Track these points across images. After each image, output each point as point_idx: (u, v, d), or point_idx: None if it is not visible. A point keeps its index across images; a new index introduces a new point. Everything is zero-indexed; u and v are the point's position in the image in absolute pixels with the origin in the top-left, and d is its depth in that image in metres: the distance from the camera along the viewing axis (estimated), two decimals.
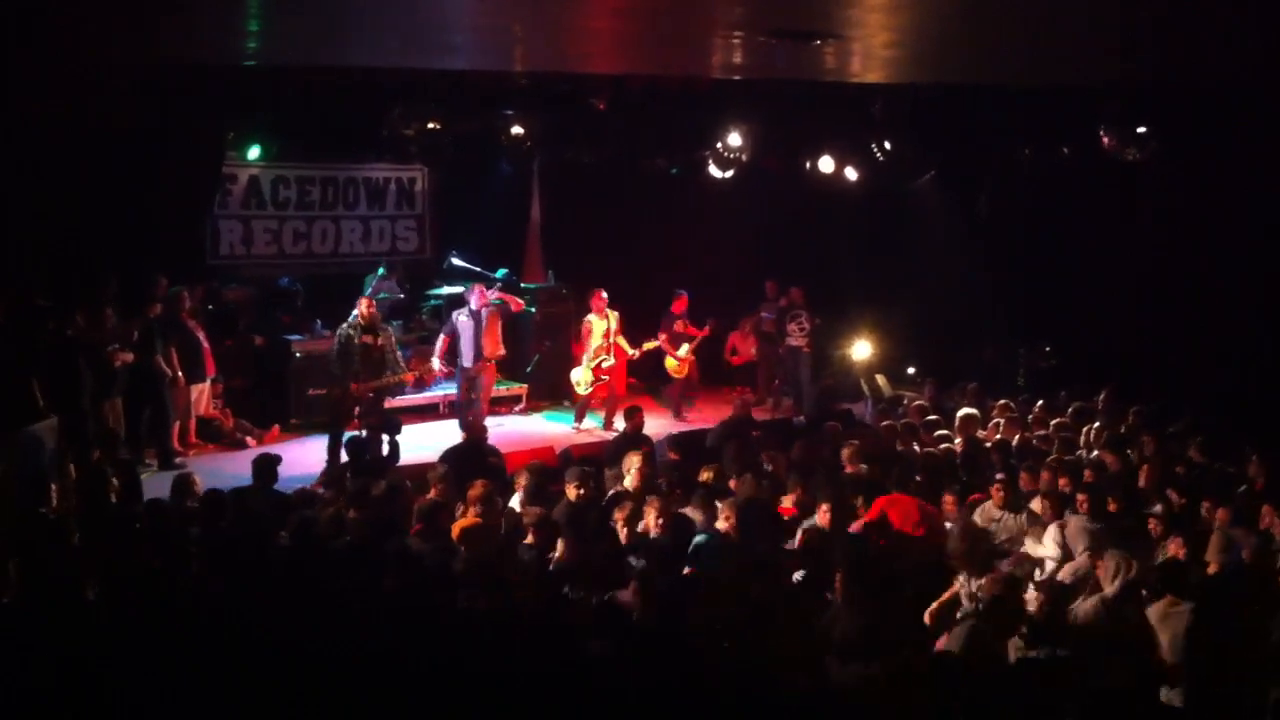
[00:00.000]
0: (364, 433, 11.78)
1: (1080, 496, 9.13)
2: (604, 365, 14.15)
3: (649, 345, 14.48)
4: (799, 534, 8.74)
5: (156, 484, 10.43)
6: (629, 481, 9.71)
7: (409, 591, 6.83)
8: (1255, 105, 12.42)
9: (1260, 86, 12.07)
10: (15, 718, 5.49)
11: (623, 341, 14.36)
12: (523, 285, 16.12)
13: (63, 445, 9.97)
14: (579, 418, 14.40)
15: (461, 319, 13.16)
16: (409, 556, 7.51)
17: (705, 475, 9.90)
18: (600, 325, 14.22)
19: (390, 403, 13.36)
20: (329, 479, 9.81)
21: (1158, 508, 9.28)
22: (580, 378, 14.25)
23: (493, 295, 13.70)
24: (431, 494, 9.32)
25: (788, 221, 17.12)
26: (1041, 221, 15.78)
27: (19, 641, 5.91)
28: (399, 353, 12.53)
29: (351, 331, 11.85)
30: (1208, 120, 12.70)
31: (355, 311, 12.07)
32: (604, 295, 14.26)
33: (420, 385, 14.75)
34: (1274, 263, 13.53)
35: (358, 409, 11.87)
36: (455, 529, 8.35)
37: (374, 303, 12.31)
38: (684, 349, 14.89)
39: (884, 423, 12.47)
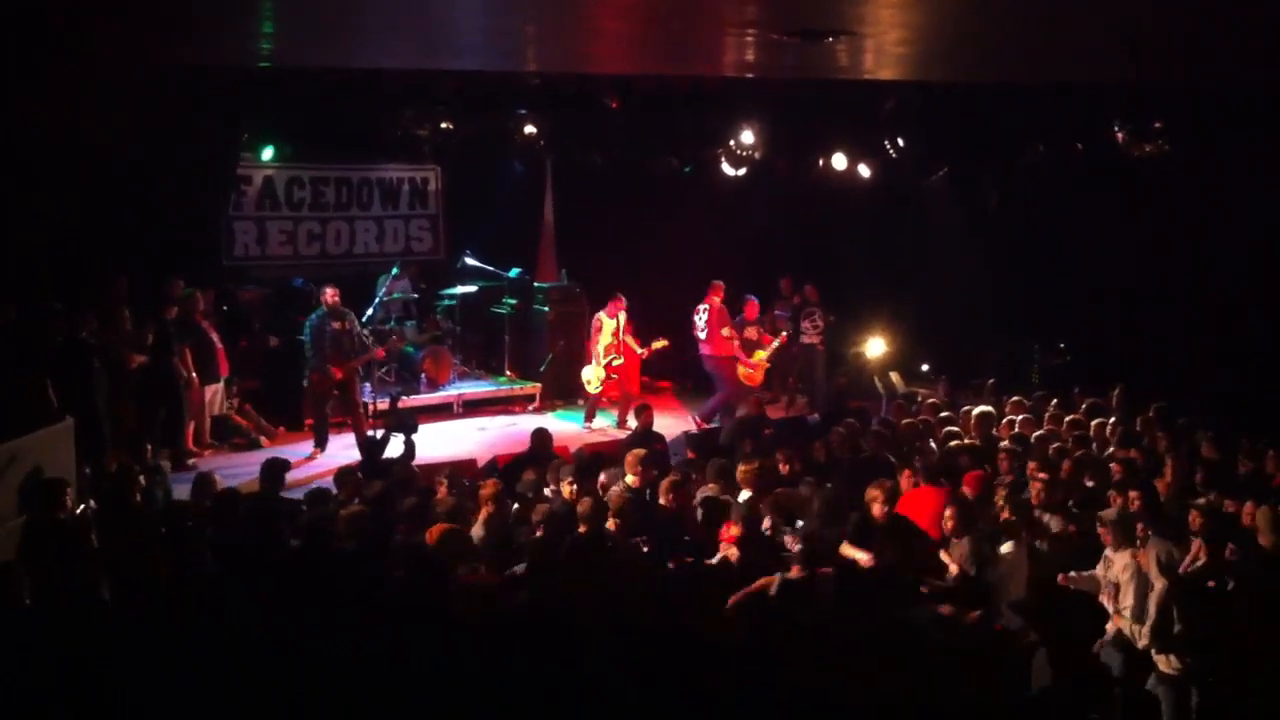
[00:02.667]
0: (379, 433, 11.84)
1: (1132, 494, 9.12)
2: (614, 364, 14.20)
3: (658, 345, 14.49)
4: None
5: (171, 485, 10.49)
6: (630, 479, 9.70)
7: (410, 591, 6.85)
8: (1261, 106, 12.37)
9: (1265, 87, 12.03)
10: (29, 717, 5.52)
11: (631, 341, 14.41)
12: (536, 285, 16.15)
13: (77, 447, 10.01)
14: (589, 417, 14.46)
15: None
16: (412, 556, 7.54)
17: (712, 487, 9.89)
18: (610, 324, 14.28)
19: (405, 402, 13.45)
20: (341, 478, 9.82)
21: (1201, 500, 9.23)
22: (591, 376, 14.30)
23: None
24: (440, 494, 9.37)
25: (800, 219, 17.10)
26: (1053, 219, 15.72)
27: (34, 643, 5.93)
28: (363, 334, 13.18)
29: (321, 320, 12.47)
30: (1216, 120, 12.65)
31: (323, 302, 12.68)
32: (623, 301, 14.31)
33: (434, 385, 14.81)
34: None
35: (335, 389, 12.58)
36: (430, 534, 8.28)
37: (338, 291, 12.82)
38: (759, 355, 14.94)
39: (906, 421, 12.40)
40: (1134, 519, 8.41)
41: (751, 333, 15.06)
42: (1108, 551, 8.19)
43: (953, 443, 11.38)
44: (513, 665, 5.62)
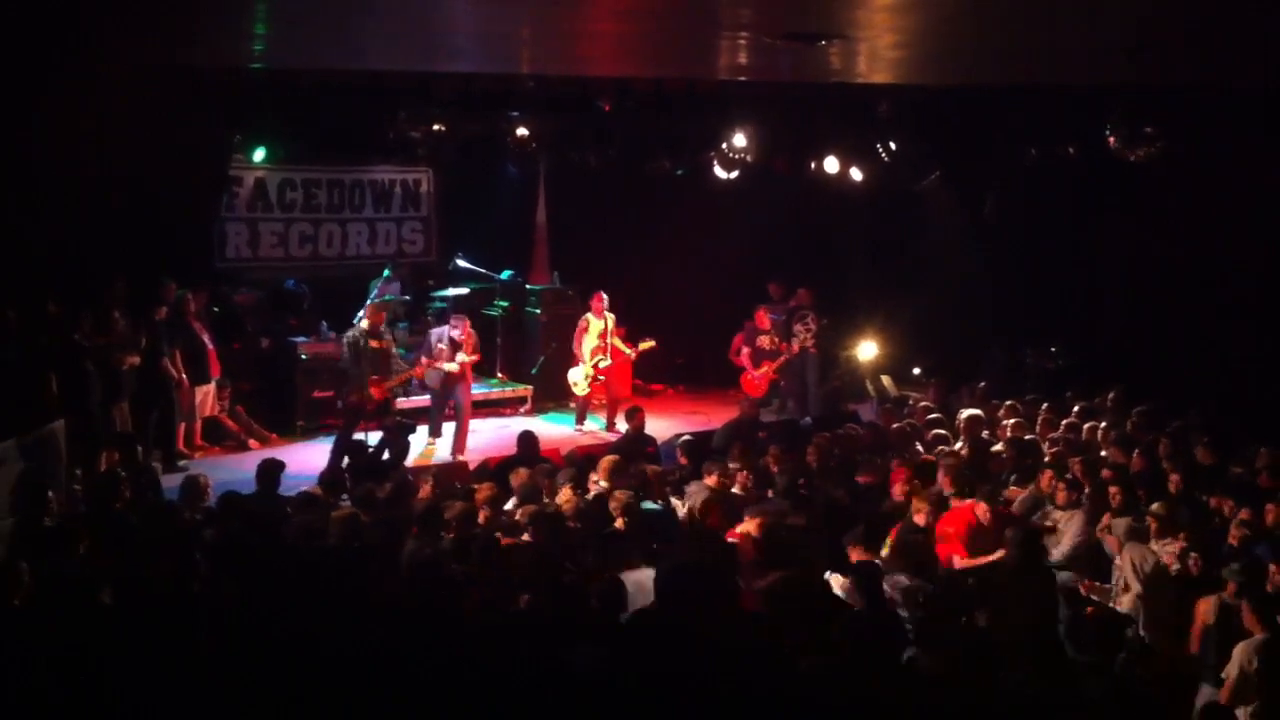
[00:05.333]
0: (366, 435, 11.86)
1: (1113, 490, 9.31)
2: (601, 365, 14.18)
3: (645, 346, 14.46)
4: None
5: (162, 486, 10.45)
6: (602, 483, 9.67)
7: (415, 594, 6.84)
8: (1259, 107, 12.40)
9: (1263, 88, 12.07)
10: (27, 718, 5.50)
11: (619, 343, 14.36)
12: (528, 287, 16.14)
13: (70, 449, 9.99)
14: (580, 419, 14.44)
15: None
16: (418, 559, 7.52)
17: (710, 479, 9.88)
18: (597, 325, 14.23)
19: (399, 404, 13.42)
20: (327, 481, 9.78)
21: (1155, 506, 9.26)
22: (578, 378, 14.27)
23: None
24: (422, 494, 9.35)
25: (793, 222, 17.11)
26: (1047, 222, 15.76)
27: (29, 644, 5.91)
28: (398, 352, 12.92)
29: (360, 337, 12.10)
30: (1213, 121, 12.68)
31: (360, 317, 12.37)
32: (604, 297, 14.28)
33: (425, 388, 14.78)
34: (1277, 264, 13.52)
35: (374, 410, 12.15)
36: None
37: (380, 310, 12.60)
38: (764, 368, 14.97)
39: (894, 425, 12.42)
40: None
41: (765, 341, 15.05)
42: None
43: (940, 447, 11.38)
44: (512, 666, 5.61)
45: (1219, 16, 7.93)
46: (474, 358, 13.26)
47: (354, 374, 12.12)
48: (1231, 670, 6.69)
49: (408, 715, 5.41)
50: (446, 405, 13.31)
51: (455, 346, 13.00)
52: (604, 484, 9.59)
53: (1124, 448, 10.84)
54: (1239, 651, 6.70)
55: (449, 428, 13.19)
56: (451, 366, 12.94)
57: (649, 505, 9.05)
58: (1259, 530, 8.59)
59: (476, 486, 9.30)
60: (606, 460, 9.96)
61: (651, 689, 5.35)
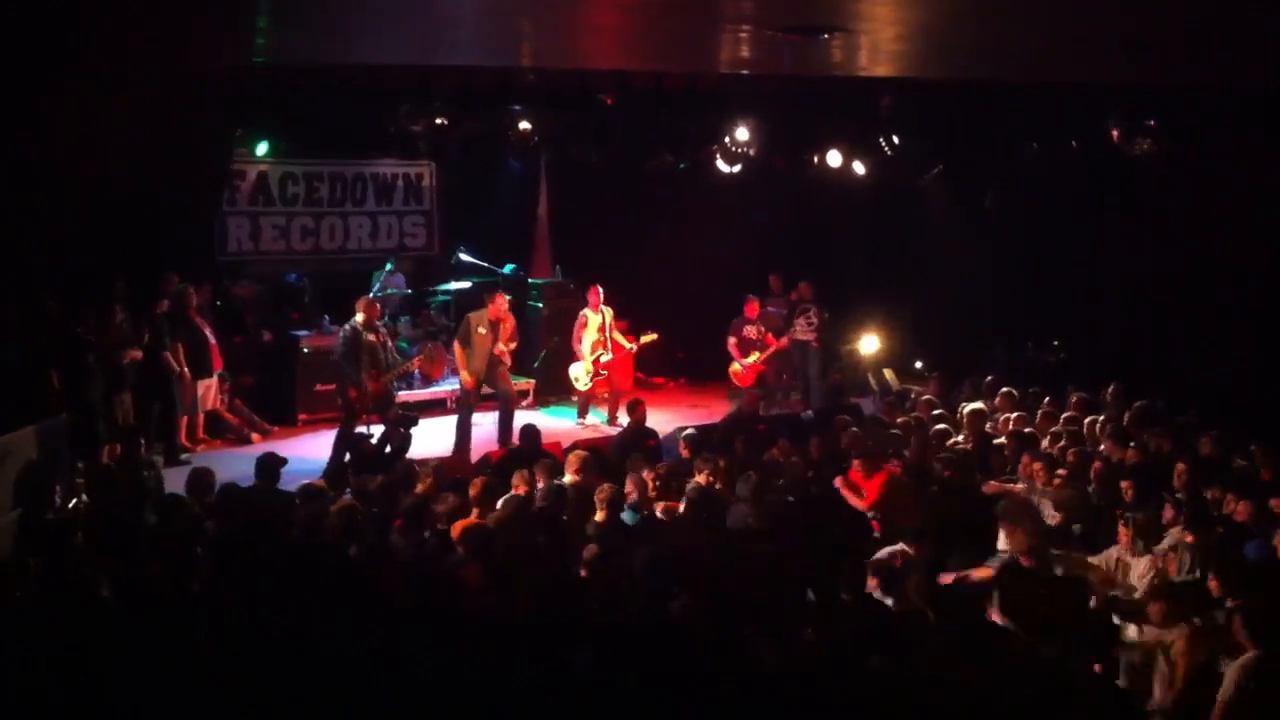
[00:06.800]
0: (369, 429, 11.85)
1: (1125, 484, 9.31)
2: (602, 360, 14.18)
3: (646, 339, 14.47)
4: None
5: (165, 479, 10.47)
6: (567, 477, 9.64)
7: (408, 591, 6.84)
8: (1260, 106, 12.38)
9: (1263, 88, 12.05)
10: (26, 716, 5.51)
11: (619, 337, 14.36)
12: (530, 281, 16.15)
13: (71, 442, 10.01)
14: (582, 413, 14.44)
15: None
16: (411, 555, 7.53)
17: (702, 478, 9.87)
18: (595, 320, 14.23)
19: (402, 397, 13.42)
20: (331, 475, 9.78)
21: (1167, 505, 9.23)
22: (579, 373, 14.27)
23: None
24: (419, 489, 9.35)
25: (795, 216, 17.09)
26: (1047, 220, 15.75)
27: (29, 642, 5.92)
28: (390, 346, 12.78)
29: (355, 333, 11.97)
30: (1213, 121, 12.67)
31: (358, 313, 12.12)
32: (600, 290, 14.25)
33: (428, 381, 14.80)
34: (1277, 264, 13.51)
35: (372, 404, 12.05)
36: (456, 528, 8.27)
37: (375, 304, 12.49)
38: (753, 356, 14.94)
39: (899, 419, 12.41)
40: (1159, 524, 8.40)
41: (751, 332, 15.04)
42: (1123, 555, 8.11)
43: (949, 442, 11.38)
44: (511, 665, 5.62)
45: (1219, 16, 7.91)
46: (512, 344, 12.98)
47: (347, 370, 11.97)
48: (1224, 693, 6.31)
49: (408, 715, 5.42)
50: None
51: (494, 328, 12.75)
52: (571, 478, 9.59)
53: (1119, 441, 10.82)
54: (1233, 672, 6.33)
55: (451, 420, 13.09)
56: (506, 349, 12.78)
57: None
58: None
59: (470, 481, 9.27)
60: (575, 455, 9.97)
61: (650, 689, 5.36)
